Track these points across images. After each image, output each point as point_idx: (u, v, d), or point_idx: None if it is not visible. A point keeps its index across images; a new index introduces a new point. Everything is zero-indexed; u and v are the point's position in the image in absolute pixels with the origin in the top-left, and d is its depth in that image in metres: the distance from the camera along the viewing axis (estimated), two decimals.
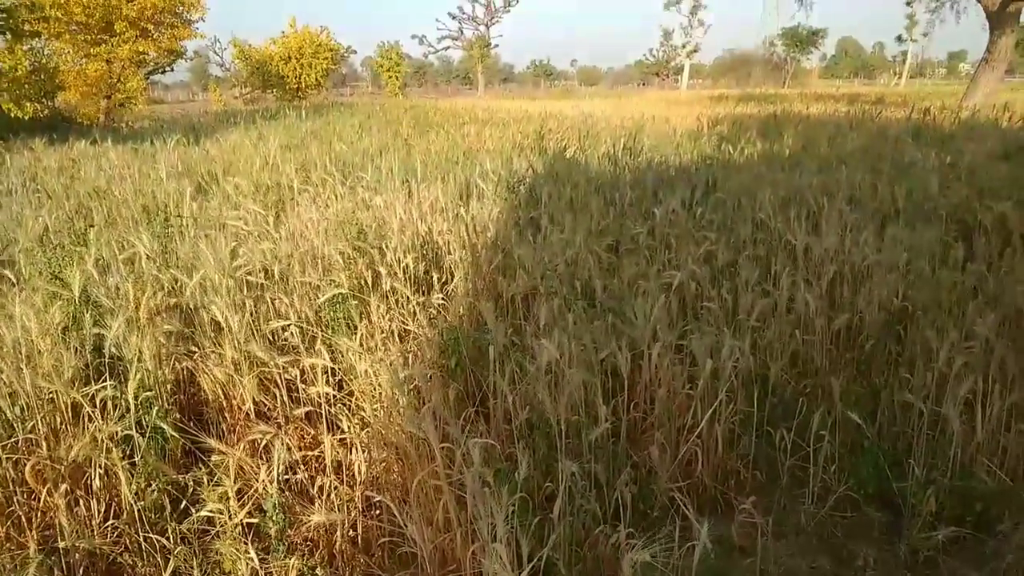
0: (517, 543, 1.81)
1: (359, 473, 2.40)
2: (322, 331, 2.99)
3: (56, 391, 2.30)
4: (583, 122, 10.47)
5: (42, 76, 12.80)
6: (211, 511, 2.12)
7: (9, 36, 11.43)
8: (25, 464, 2.12)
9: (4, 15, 11.49)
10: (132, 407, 2.22)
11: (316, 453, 2.60)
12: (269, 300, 3.11)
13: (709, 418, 2.61)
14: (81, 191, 5.39)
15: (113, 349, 2.55)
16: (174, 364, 2.76)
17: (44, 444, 2.24)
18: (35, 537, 2.01)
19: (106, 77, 16.24)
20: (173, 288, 3.21)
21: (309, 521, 2.10)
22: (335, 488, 2.33)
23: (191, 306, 3.05)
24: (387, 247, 3.54)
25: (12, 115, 11.01)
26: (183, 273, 3.17)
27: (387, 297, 3.32)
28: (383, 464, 2.43)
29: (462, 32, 39.94)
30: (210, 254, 3.09)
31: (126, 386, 2.36)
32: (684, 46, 43.95)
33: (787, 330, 3.19)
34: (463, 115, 15.10)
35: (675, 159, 6.92)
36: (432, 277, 3.64)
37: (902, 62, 54.78)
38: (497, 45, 39.04)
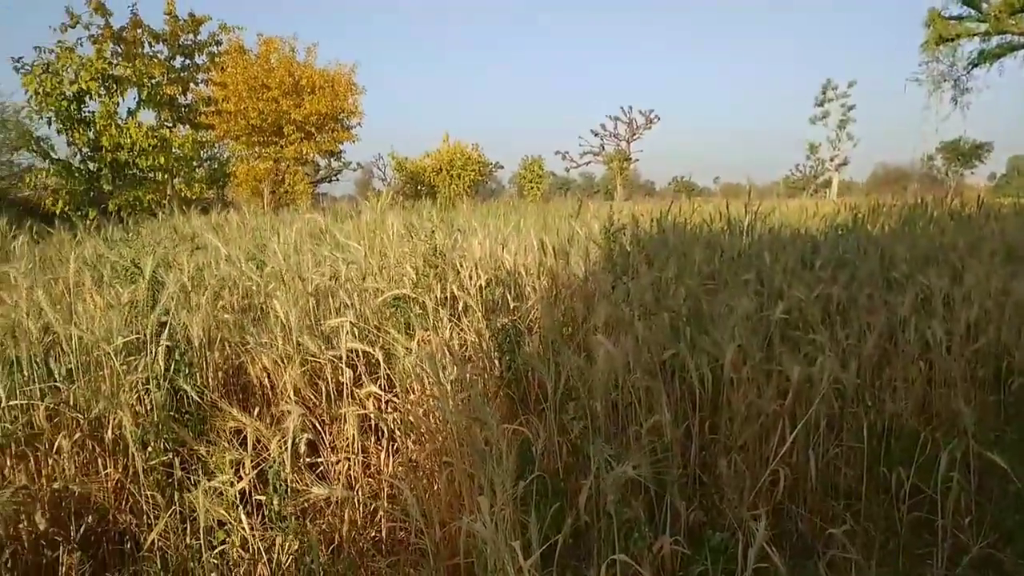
0: (523, 527, 1.50)
1: (385, 464, 2.17)
2: (381, 334, 2.86)
3: (103, 351, 2.29)
4: (714, 207, 10.16)
5: (215, 165, 14.55)
6: (220, 482, 1.97)
7: (188, 127, 13.18)
8: (47, 413, 2.08)
9: (186, 109, 13.35)
10: (161, 364, 2.15)
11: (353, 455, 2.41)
12: (331, 304, 3.05)
13: (803, 443, 2.17)
14: (209, 236, 5.79)
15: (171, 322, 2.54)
16: (225, 349, 2.71)
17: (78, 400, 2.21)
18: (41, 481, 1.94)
19: (272, 174, 18.13)
20: (248, 292, 3.24)
21: (311, 496, 1.88)
22: (351, 471, 2.11)
23: (259, 306, 3.05)
24: (462, 266, 3.42)
25: (182, 195, 12.43)
26: (259, 276, 3.20)
27: (459, 315, 3.16)
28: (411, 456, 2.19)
29: (603, 148, 40.92)
30: (282, 258, 3.10)
31: (173, 356, 2.33)
32: (832, 159, 42.52)
33: (913, 372, 2.68)
34: (594, 210, 15.20)
35: (802, 228, 6.43)
36: (509, 304, 3.44)
37: None
38: (638, 160, 39.45)
